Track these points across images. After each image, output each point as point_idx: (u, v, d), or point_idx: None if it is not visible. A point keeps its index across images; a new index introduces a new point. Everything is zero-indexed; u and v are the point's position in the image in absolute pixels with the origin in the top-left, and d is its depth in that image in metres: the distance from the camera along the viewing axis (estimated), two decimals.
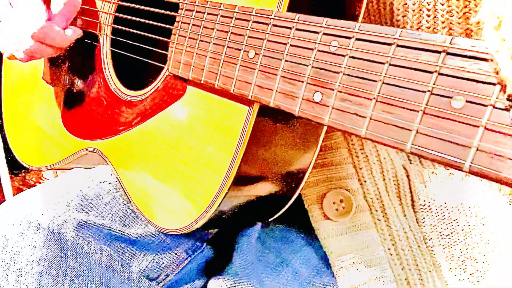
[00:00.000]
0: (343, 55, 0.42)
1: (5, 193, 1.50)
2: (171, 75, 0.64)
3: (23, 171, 1.85)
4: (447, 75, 0.35)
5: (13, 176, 1.71)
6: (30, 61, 0.93)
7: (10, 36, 0.75)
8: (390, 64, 0.38)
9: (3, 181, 1.49)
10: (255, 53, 0.50)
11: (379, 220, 0.62)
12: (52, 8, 0.75)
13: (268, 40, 0.49)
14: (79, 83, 0.85)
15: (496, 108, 0.32)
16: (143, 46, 0.73)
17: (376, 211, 0.63)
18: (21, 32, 0.73)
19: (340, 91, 0.42)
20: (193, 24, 0.59)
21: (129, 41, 0.76)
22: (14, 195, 1.48)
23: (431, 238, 0.62)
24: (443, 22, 0.53)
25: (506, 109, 0.31)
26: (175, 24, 0.62)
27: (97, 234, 0.65)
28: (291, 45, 0.47)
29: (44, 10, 0.73)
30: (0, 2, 0.75)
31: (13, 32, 0.74)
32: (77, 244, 0.62)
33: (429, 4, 0.53)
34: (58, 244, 0.61)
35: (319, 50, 0.44)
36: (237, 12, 0.53)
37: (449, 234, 0.62)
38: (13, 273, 0.60)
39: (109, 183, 0.73)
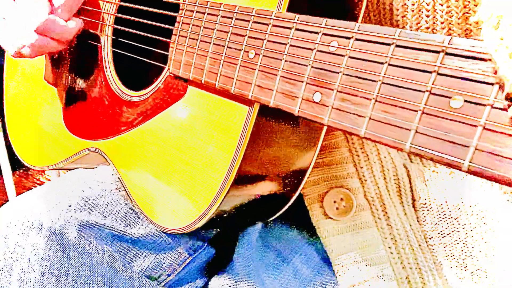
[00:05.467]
0: (342, 55, 0.42)
1: (8, 193, 1.51)
2: (172, 75, 0.64)
3: (25, 171, 1.86)
4: (446, 75, 0.35)
5: (15, 176, 1.71)
6: (32, 60, 0.93)
7: (14, 32, 0.75)
8: (389, 64, 0.38)
9: (6, 181, 1.49)
10: (255, 53, 0.50)
11: (379, 219, 0.63)
12: (54, 1, 0.74)
13: (268, 41, 0.49)
14: (80, 84, 0.86)
15: (495, 107, 0.32)
16: (144, 46, 0.73)
17: (377, 210, 0.63)
18: (25, 26, 0.73)
19: (340, 91, 0.42)
20: (193, 25, 0.59)
21: (130, 42, 0.76)
22: (17, 195, 1.49)
23: (431, 237, 0.62)
24: (442, 23, 0.53)
25: (504, 109, 0.31)
26: (176, 24, 0.62)
27: (99, 234, 0.65)
28: (291, 45, 0.47)
29: (46, 3, 0.73)
30: None
31: (17, 28, 0.74)
32: (79, 244, 0.63)
33: (428, 5, 0.53)
34: (60, 244, 0.62)
35: (318, 50, 0.44)
36: (237, 13, 0.53)
37: (450, 233, 0.62)
38: (15, 273, 0.60)
39: (111, 183, 0.73)
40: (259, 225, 0.71)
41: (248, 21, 0.51)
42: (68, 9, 0.75)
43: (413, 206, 0.63)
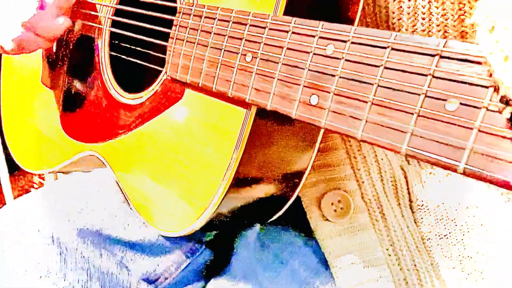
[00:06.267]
0: (339, 59, 0.42)
1: (5, 196, 1.50)
2: (169, 78, 0.65)
3: (22, 174, 1.85)
4: (441, 78, 0.35)
5: (13, 179, 1.71)
6: (30, 63, 0.93)
7: (1, 25, 0.73)
8: (385, 67, 0.38)
9: (3, 184, 1.49)
10: (252, 57, 0.50)
11: (377, 220, 0.63)
12: None
13: (265, 44, 0.49)
14: (77, 87, 0.86)
15: (490, 110, 0.32)
16: (141, 49, 0.73)
17: (374, 211, 0.63)
18: (12, 20, 0.72)
19: (336, 94, 0.42)
20: (190, 28, 0.59)
21: (127, 45, 0.76)
22: (14, 198, 1.48)
23: (429, 238, 0.62)
24: (438, 25, 0.53)
25: (499, 111, 0.32)
26: (173, 27, 0.62)
27: (96, 238, 0.65)
28: (287, 49, 0.47)
29: None
30: None
31: (3, 20, 0.73)
32: (76, 248, 0.63)
33: (424, 8, 0.53)
34: (57, 248, 0.62)
35: (315, 54, 0.44)
36: (234, 16, 0.53)
37: (447, 234, 0.62)
38: (13, 277, 0.60)
39: (108, 186, 0.73)
40: (257, 227, 0.71)
41: (245, 24, 0.52)
42: (58, 7, 0.74)
43: (410, 208, 0.63)
